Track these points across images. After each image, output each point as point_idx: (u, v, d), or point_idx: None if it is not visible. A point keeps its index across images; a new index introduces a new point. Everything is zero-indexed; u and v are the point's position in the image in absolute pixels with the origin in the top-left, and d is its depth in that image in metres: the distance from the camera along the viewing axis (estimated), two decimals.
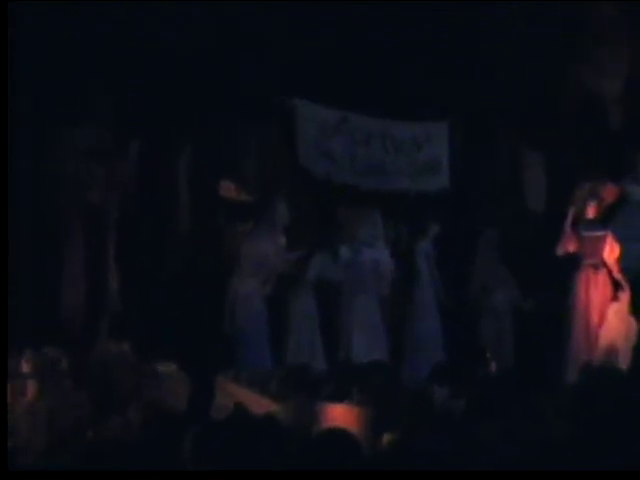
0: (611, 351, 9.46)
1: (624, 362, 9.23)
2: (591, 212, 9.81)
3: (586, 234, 9.80)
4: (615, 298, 9.54)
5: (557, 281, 9.96)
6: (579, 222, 9.87)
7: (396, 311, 9.65)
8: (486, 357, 8.61)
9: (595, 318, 9.58)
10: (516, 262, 10.32)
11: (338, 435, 4.80)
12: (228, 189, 9.75)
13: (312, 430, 6.10)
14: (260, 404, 6.68)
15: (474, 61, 10.84)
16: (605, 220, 9.88)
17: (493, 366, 8.59)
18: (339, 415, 6.31)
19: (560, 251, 9.84)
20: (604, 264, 9.71)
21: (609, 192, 9.86)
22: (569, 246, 9.82)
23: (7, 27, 7.00)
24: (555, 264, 9.99)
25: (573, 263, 9.85)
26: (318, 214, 9.76)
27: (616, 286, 9.61)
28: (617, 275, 9.62)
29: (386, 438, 6.00)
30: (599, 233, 9.77)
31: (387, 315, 9.49)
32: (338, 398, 6.46)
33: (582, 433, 6.16)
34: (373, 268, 9.36)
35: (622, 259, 9.62)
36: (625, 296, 9.52)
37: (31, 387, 6.24)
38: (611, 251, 9.69)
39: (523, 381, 9.23)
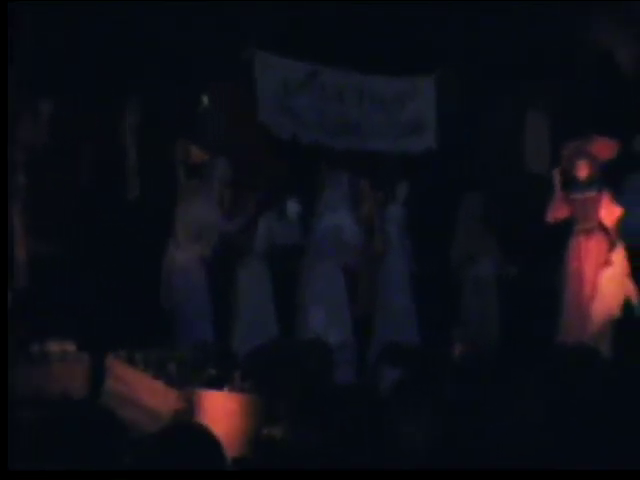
0: (607, 324, 8.32)
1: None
2: (582, 172, 8.67)
3: (577, 196, 8.68)
4: (608, 262, 8.40)
5: (550, 252, 8.86)
6: (570, 184, 8.76)
7: (361, 283, 8.66)
8: (451, 335, 7.59)
9: (587, 290, 8.46)
10: (505, 230, 9.25)
11: (189, 433, 3.95)
12: (186, 150, 8.81)
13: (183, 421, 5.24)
14: (151, 389, 5.82)
15: (467, 8, 9.75)
16: (601, 180, 8.71)
17: (459, 346, 7.56)
18: (217, 405, 5.40)
19: (550, 218, 8.74)
20: (601, 228, 8.59)
21: (602, 148, 8.67)
22: (559, 212, 8.71)
23: (7, 27, 6.62)
24: (549, 232, 8.90)
25: (566, 230, 8.75)
26: (274, 175, 8.79)
27: (611, 249, 8.49)
28: (613, 237, 8.47)
29: (265, 433, 5.12)
30: (591, 194, 8.63)
31: (351, 288, 8.49)
32: (219, 383, 5.54)
33: (558, 421, 5.49)
34: (335, 235, 8.38)
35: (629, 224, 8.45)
36: (619, 257, 8.35)
37: None
38: (608, 213, 8.55)
39: (506, 362, 8.23)
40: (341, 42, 9.25)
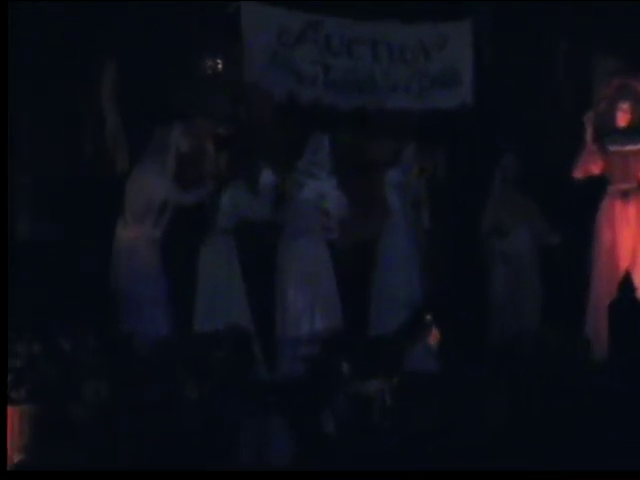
0: None
1: None
2: (623, 118, 7.07)
3: (615, 149, 7.08)
4: None
5: (582, 217, 7.29)
6: (607, 133, 7.16)
7: (351, 260, 7.36)
8: (426, 321, 6.24)
9: (623, 267, 6.85)
10: (545, 198, 7.70)
11: None
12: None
13: None
14: None
15: None
16: None
17: (435, 334, 6.22)
18: None
19: (578, 173, 7.18)
20: None
21: None
22: (591, 166, 7.15)
23: (7, 27, 6.39)
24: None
25: (598, 190, 7.16)
26: (250, 141, 7.64)
27: None
28: None
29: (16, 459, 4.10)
30: (635, 146, 7.01)
31: (339, 266, 7.21)
32: None
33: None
34: (317, 205, 7.15)
35: None
36: None
37: None
38: None
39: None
40: None
